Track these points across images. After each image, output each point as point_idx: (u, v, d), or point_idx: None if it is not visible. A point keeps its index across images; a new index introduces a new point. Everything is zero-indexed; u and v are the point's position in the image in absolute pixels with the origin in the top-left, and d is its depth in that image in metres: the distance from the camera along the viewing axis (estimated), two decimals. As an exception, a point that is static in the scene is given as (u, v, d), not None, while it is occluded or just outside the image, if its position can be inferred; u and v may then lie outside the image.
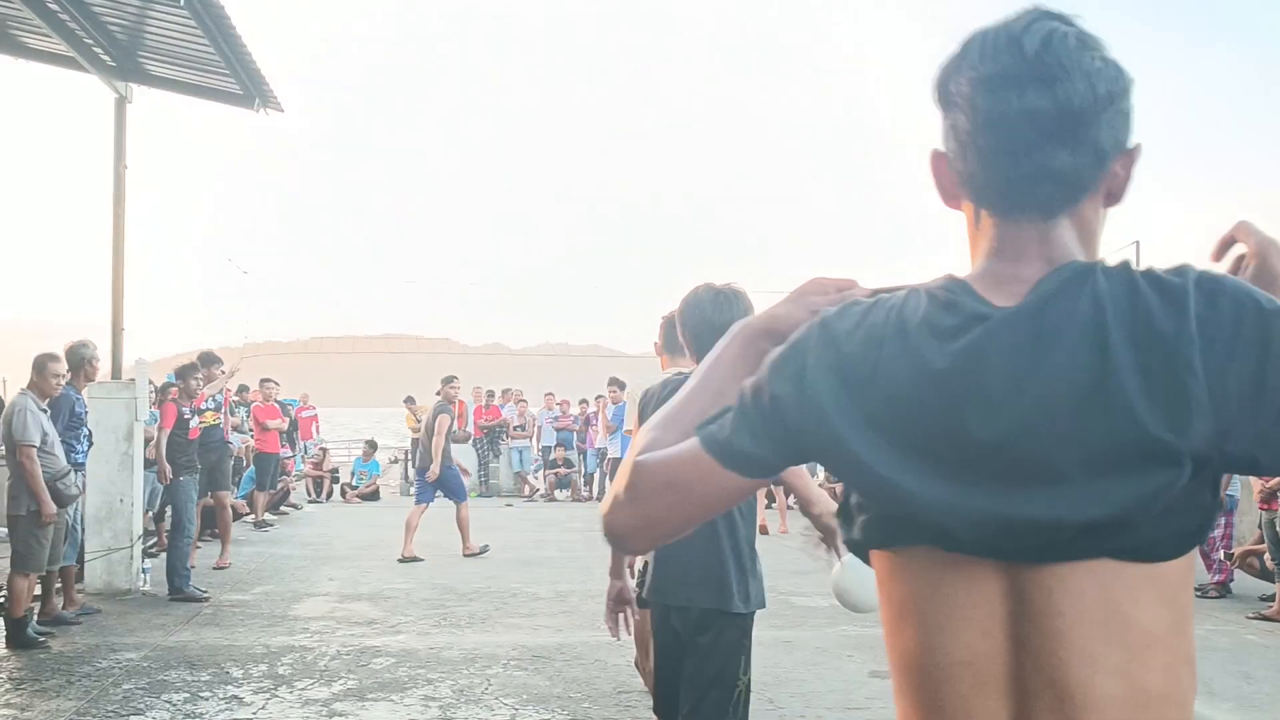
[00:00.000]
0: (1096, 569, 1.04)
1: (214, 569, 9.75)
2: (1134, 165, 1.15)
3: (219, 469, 10.37)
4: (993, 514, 1.05)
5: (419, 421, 19.06)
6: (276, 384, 14.89)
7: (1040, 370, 1.04)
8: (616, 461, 12.78)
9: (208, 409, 10.14)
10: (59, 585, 7.66)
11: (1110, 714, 1.04)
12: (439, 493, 11.27)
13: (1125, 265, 1.08)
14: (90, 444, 7.99)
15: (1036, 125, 1.09)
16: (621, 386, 13.67)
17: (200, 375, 9.40)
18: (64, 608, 7.62)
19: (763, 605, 3.32)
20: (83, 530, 8.21)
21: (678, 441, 1.20)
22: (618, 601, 3.55)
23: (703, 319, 3.31)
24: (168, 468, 8.80)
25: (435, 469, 10.94)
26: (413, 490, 18.63)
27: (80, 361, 7.79)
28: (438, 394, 12.01)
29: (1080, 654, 1.05)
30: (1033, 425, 1.04)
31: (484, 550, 11.11)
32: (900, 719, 1.19)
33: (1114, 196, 1.16)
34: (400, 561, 10.49)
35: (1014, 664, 1.08)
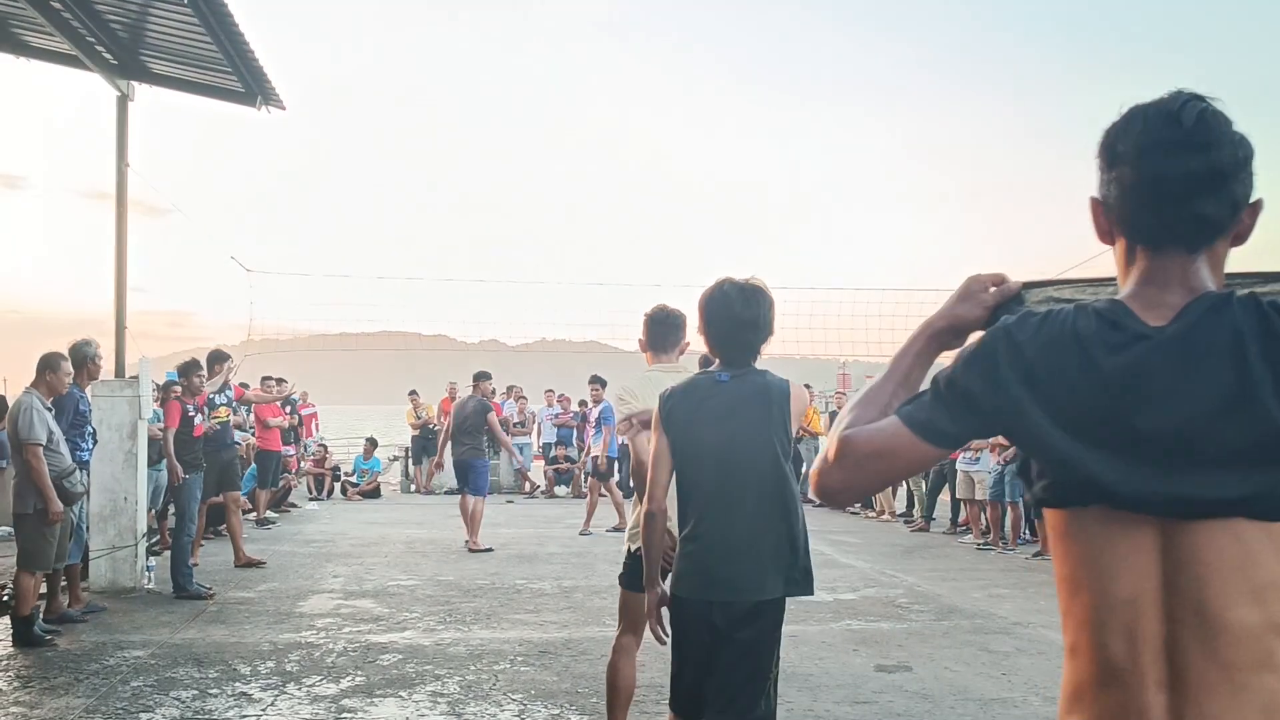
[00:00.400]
0: (1233, 526, 1.35)
1: (235, 568, 9.84)
2: (1258, 215, 1.47)
3: (231, 468, 10.36)
4: (1156, 489, 1.37)
5: (419, 418, 19.08)
6: (282, 381, 14.88)
7: (1191, 381, 1.36)
8: (612, 461, 12.71)
9: (221, 404, 10.17)
10: (64, 583, 7.67)
11: (1241, 636, 1.34)
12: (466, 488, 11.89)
13: (1253, 295, 1.39)
14: (94, 442, 7.99)
15: (1191, 182, 1.41)
16: (603, 385, 13.51)
17: (202, 373, 9.41)
18: (70, 606, 7.63)
19: (810, 592, 3.36)
20: (87, 528, 8.22)
21: (876, 418, 1.57)
22: (662, 605, 3.46)
23: (729, 314, 3.34)
24: (178, 467, 8.80)
25: (517, 458, 13.14)
26: (415, 486, 18.62)
27: (84, 360, 7.78)
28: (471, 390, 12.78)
29: (1218, 591, 1.35)
30: (1187, 423, 1.36)
31: (488, 551, 11.14)
32: (1070, 641, 1.49)
33: (1240, 239, 1.49)
34: (471, 552, 11.10)
35: (1166, 598, 1.38)
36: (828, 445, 1.58)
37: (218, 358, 10.35)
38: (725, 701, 3.20)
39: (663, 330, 4.37)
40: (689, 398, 3.40)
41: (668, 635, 3.42)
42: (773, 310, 3.41)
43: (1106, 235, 1.55)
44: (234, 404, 10.73)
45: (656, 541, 3.46)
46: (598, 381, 13.58)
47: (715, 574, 3.27)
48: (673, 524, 3.63)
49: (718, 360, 3.44)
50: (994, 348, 1.49)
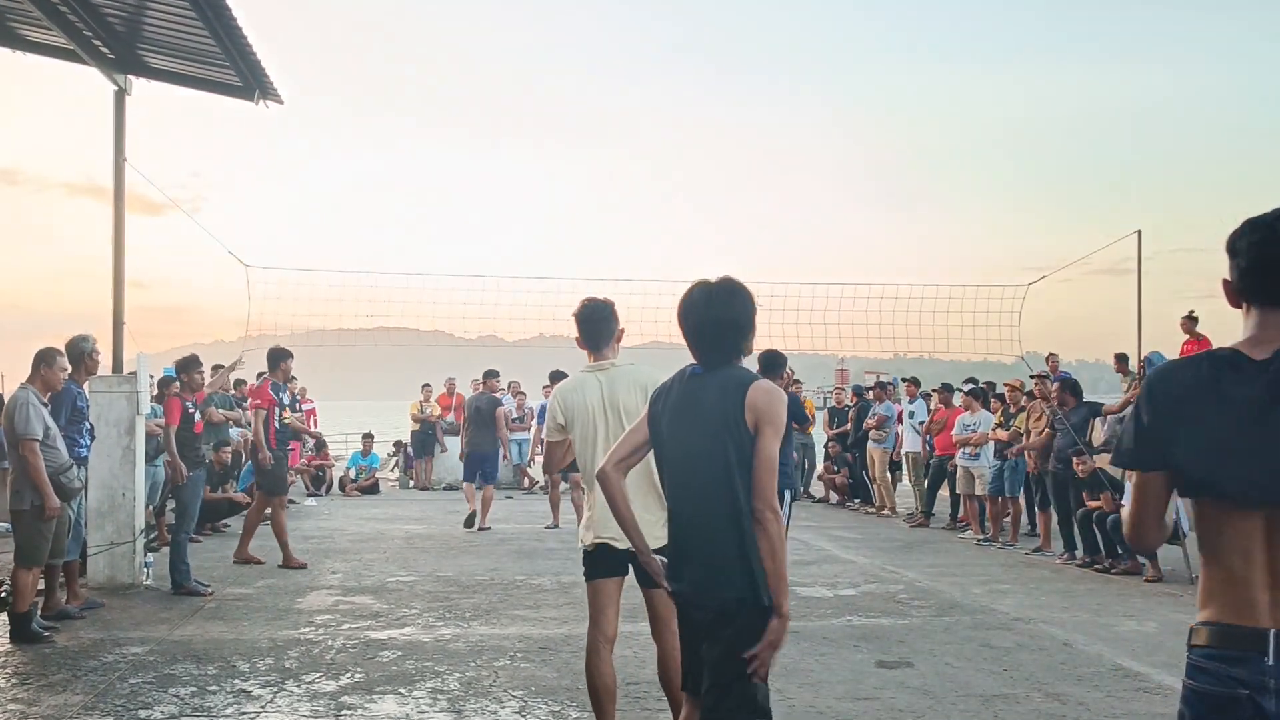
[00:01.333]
0: None
1: (279, 567, 9.82)
2: None
3: (281, 469, 10.38)
4: (1271, 490, 2.18)
5: (424, 412, 19.04)
6: (292, 379, 14.90)
7: None
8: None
9: (288, 405, 10.33)
10: (63, 580, 7.64)
11: None
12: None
13: None
14: (92, 438, 7.95)
15: None
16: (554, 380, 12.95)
17: (203, 369, 9.38)
18: (68, 602, 7.60)
19: (762, 602, 3.12)
20: (86, 525, 8.18)
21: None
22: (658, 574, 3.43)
23: (703, 314, 3.31)
24: (182, 466, 8.73)
25: (508, 454, 13.38)
26: (414, 481, 18.57)
27: (80, 355, 7.74)
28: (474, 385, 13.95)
29: None
30: None
31: (485, 529, 12.42)
32: (1204, 561, 2.31)
33: None
34: (480, 531, 12.45)
35: (1267, 548, 2.20)
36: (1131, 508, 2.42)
37: (281, 355, 10.31)
38: (720, 693, 3.14)
39: (591, 326, 4.54)
40: (667, 395, 3.39)
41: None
42: (751, 308, 3.36)
43: (1233, 301, 2.36)
44: (299, 404, 10.78)
45: (620, 506, 3.41)
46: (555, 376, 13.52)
47: (690, 572, 3.25)
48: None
49: (695, 356, 3.37)
50: (1148, 393, 2.34)
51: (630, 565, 4.27)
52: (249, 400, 10.67)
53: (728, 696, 3.12)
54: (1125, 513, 2.45)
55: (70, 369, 7.36)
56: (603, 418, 4.41)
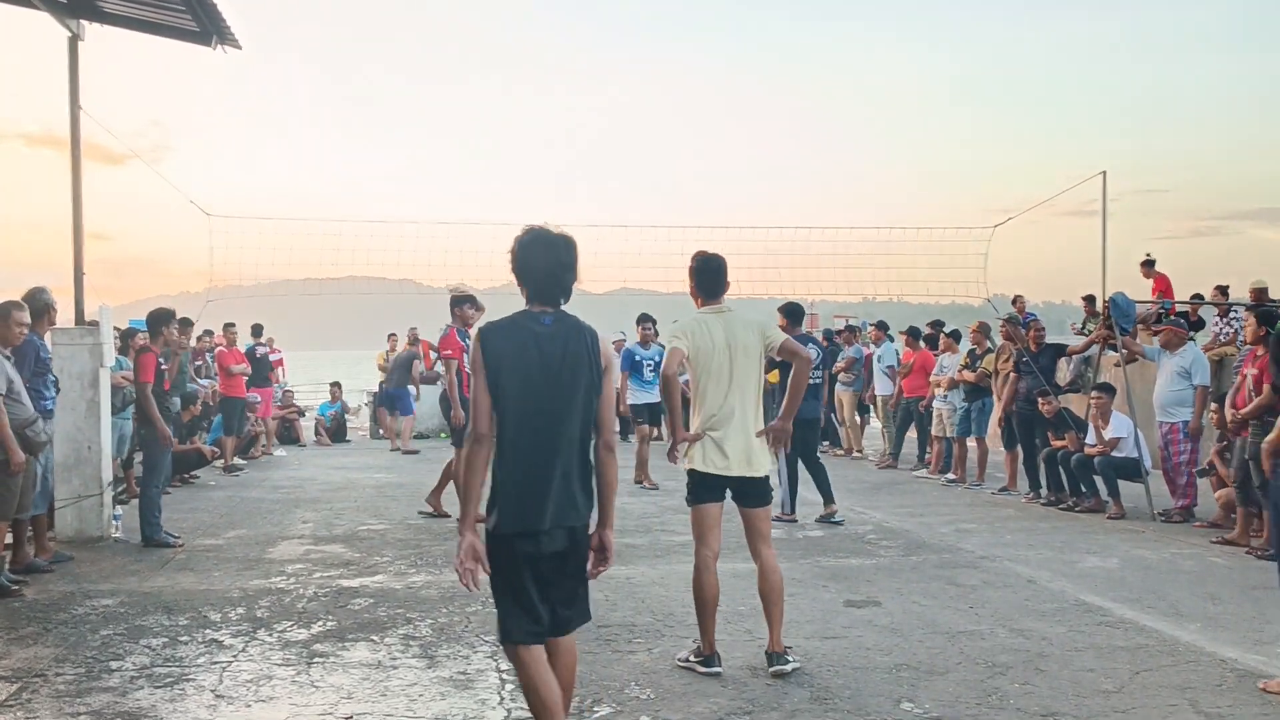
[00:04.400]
0: None
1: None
2: None
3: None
4: None
5: (389, 361, 18.99)
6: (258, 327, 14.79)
7: None
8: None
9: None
10: (31, 534, 7.59)
11: None
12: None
13: None
14: (57, 390, 7.86)
15: None
16: (653, 323, 13.40)
17: (176, 324, 9.19)
18: (36, 556, 7.56)
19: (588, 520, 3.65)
20: (53, 479, 8.11)
21: None
22: (472, 556, 3.50)
23: (549, 258, 3.55)
24: (167, 430, 8.52)
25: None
26: (384, 432, 18.51)
27: (43, 307, 7.66)
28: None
29: None
30: None
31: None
32: None
33: None
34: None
35: None
36: None
37: (460, 300, 10.05)
38: (575, 611, 3.63)
39: (710, 276, 5.25)
40: (512, 337, 3.53)
41: (477, 586, 3.52)
42: (578, 256, 3.62)
43: None
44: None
45: (478, 475, 3.55)
46: (648, 320, 13.38)
47: (543, 503, 3.47)
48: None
49: (531, 300, 3.60)
50: None
51: (729, 490, 5.13)
52: (440, 351, 10.32)
53: (581, 603, 3.65)
54: None
55: (30, 322, 7.25)
56: (726, 354, 5.08)
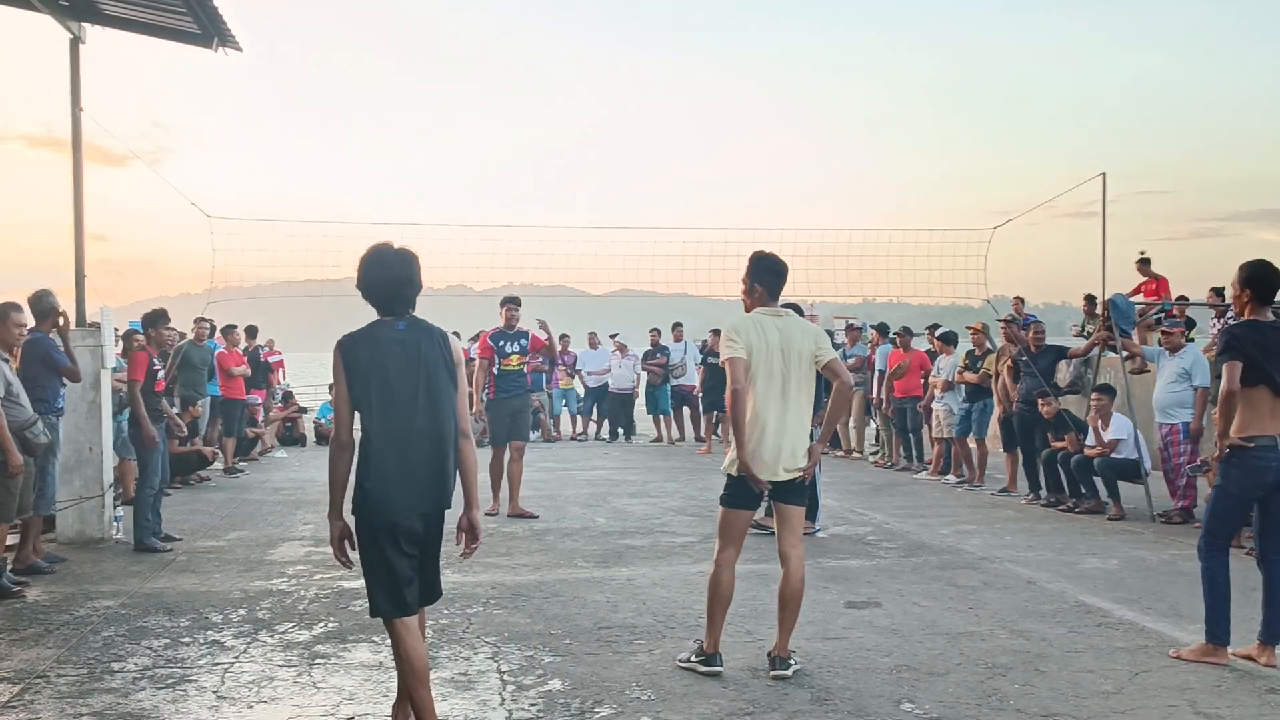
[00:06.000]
0: None
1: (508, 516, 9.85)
2: None
3: (520, 416, 10.27)
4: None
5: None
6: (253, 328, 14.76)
7: None
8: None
9: (512, 352, 10.14)
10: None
11: None
12: None
13: None
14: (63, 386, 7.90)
15: None
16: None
17: (171, 325, 9.22)
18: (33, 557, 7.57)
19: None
20: (57, 479, 8.11)
21: None
22: (341, 539, 4.06)
23: (389, 274, 3.97)
24: (152, 430, 8.43)
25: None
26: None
27: (48, 309, 7.72)
28: None
29: None
30: None
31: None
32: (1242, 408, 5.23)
33: None
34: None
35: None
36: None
37: (505, 300, 10.29)
38: (433, 589, 4.18)
39: (777, 278, 5.28)
40: (369, 345, 3.95)
41: (350, 564, 4.08)
42: (420, 269, 4.06)
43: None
44: (528, 353, 10.43)
45: (342, 474, 4.00)
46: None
47: (416, 491, 3.94)
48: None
49: (381, 312, 4.03)
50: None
51: (764, 493, 5.16)
52: (477, 349, 10.48)
53: (437, 572, 4.20)
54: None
55: (28, 323, 7.27)
56: (780, 357, 5.08)
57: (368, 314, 4.11)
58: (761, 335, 5.09)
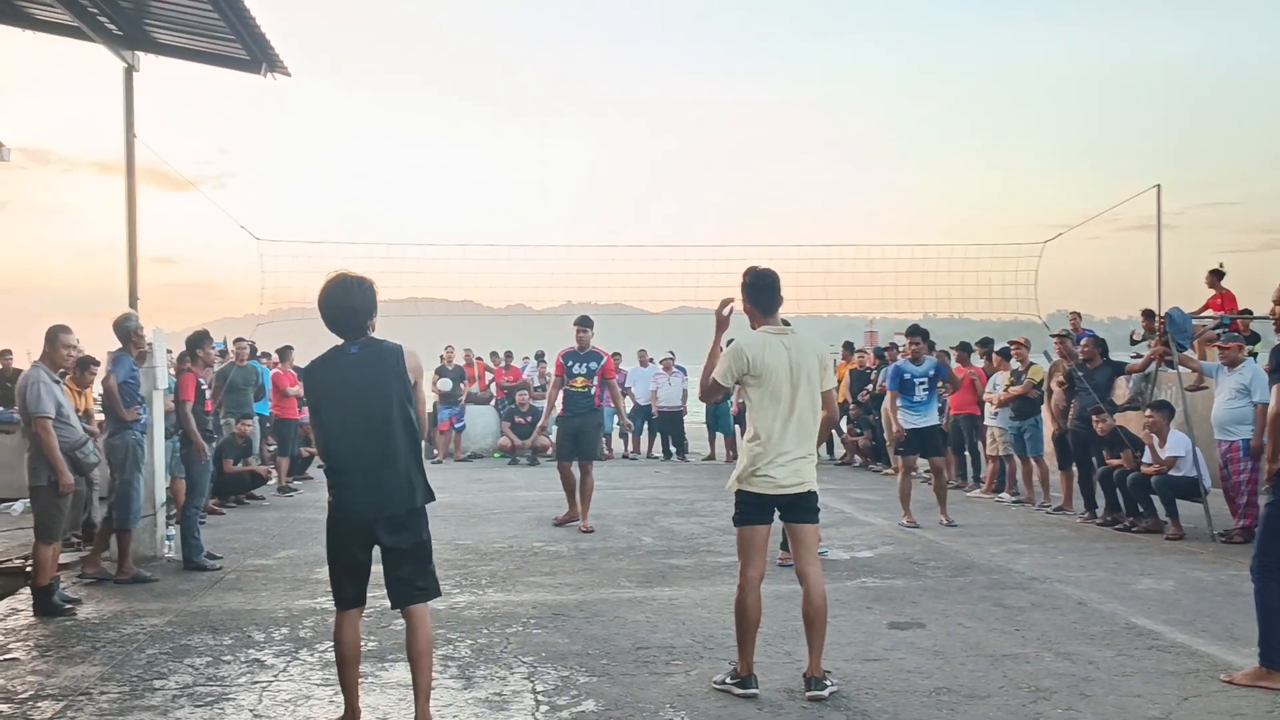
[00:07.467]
0: None
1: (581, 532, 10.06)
2: None
3: (584, 435, 10.54)
4: None
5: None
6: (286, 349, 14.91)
7: None
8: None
9: (579, 374, 10.36)
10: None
11: None
12: None
13: None
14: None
15: None
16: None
17: (214, 346, 9.42)
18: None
19: (433, 499, 4.62)
20: (140, 494, 8.26)
21: None
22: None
23: (336, 303, 4.36)
24: (204, 446, 8.71)
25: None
26: (438, 452, 18.57)
27: (128, 333, 8.11)
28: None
29: None
30: None
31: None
32: None
33: None
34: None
35: None
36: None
37: (578, 320, 10.56)
38: (411, 586, 4.57)
39: (762, 293, 5.24)
40: (330, 368, 4.39)
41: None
42: (373, 295, 4.44)
43: None
44: (594, 375, 10.66)
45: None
46: (918, 334, 13.41)
47: (363, 494, 4.36)
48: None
49: (338, 336, 4.43)
50: None
51: (777, 509, 5.13)
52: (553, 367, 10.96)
53: (426, 565, 4.63)
54: None
55: (77, 344, 7.44)
56: (788, 378, 5.09)
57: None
58: (772, 356, 5.10)
